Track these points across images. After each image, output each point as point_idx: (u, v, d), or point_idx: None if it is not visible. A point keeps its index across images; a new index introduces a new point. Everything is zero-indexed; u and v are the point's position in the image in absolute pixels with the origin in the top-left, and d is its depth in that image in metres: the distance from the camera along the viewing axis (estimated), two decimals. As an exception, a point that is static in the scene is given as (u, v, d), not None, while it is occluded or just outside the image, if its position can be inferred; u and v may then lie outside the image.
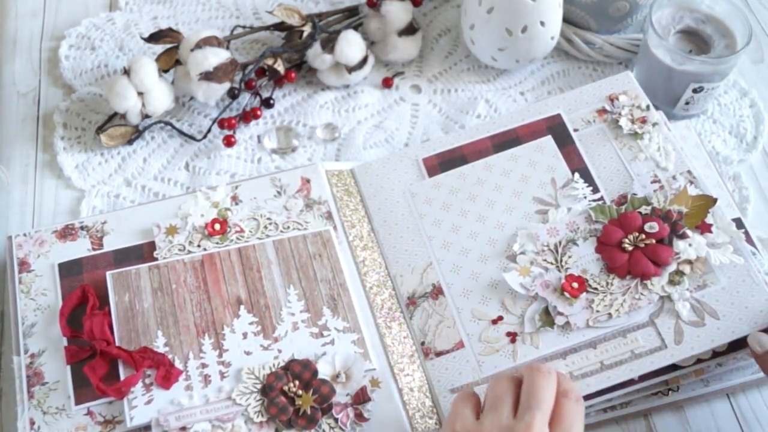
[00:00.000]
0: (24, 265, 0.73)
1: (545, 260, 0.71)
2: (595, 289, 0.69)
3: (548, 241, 0.72)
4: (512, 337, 0.69)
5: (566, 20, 0.91)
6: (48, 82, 0.91)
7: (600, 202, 0.74)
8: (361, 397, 0.66)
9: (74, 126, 0.87)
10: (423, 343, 0.70)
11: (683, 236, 0.70)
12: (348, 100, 0.90)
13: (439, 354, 0.70)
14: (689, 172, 0.74)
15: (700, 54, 0.85)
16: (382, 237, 0.76)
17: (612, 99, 0.80)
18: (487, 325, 0.70)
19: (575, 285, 0.69)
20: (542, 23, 0.85)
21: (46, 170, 0.84)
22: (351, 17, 0.94)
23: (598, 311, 0.68)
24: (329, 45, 0.87)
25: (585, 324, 0.68)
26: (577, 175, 0.76)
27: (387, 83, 0.91)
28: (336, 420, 0.65)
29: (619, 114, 0.79)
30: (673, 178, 0.74)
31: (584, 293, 0.69)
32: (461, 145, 0.80)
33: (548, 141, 0.78)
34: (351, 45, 0.87)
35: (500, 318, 0.70)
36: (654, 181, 0.74)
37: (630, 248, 0.70)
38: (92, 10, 0.98)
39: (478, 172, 0.78)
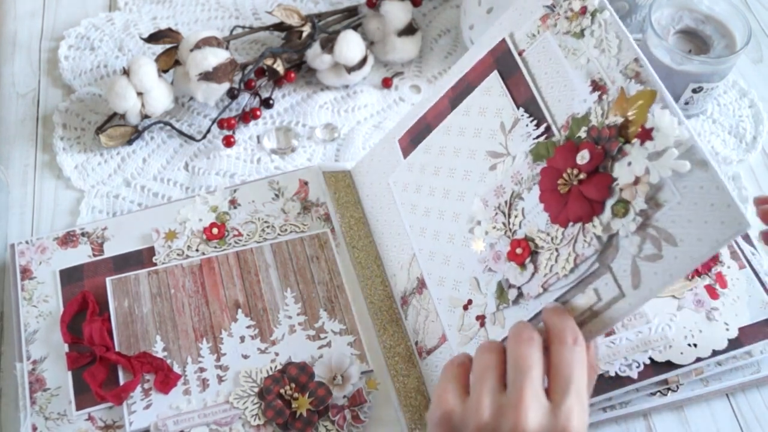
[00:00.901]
0: (26, 272, 0.73)
1: (495, 227, 0.63)
2: (541, 247, 0.59)
3: (497, 202, 0.63)
4: (481, 320, 0.64)
5: (565, 20, 0.91)
6: (47, 82, 0.91)
7: (543, 138, 0.62)
8: (357, 400, 0.67)
9: (74, 126, 0.87)
10: (417, 343, 0.70)
11: (620, 155, 0.55)
12: (347, 100, 0.90)
13: (429, 352, 0.69)
14: (636, 60, 0.57)
15: (699, 54, 0.84)
16: (378, 237, 0.76)
17: None
18: (462, 313, 0.65)
19: (519, 250, 0.60)
20: (541, 23, 0.84)
21: (46, 170, 0.84)
22: (350, 17, 0.94)
23: (546, 273, 0.58)
24: (329, 45, 0.87)
25: (537, 291, 0.59)
26: (521, 110, 0.64)
27: (386, 83, 0.91)
28: (333, 422, 0.66)
29: (559, 14, 0.63)
30: (615, 77, 0.58)
31: (530, 256, 0.60)
32: (425, 113, 0.73)
33: (494, 79, 0.67)
34: (350, 45, 0.87)
35: (470, 302, 0.65)
36: (595, 89, 0.59)
37: (567, 189, 0.58)
38: (91, 10, 0.98)
39: (439, 140, 0.70)
